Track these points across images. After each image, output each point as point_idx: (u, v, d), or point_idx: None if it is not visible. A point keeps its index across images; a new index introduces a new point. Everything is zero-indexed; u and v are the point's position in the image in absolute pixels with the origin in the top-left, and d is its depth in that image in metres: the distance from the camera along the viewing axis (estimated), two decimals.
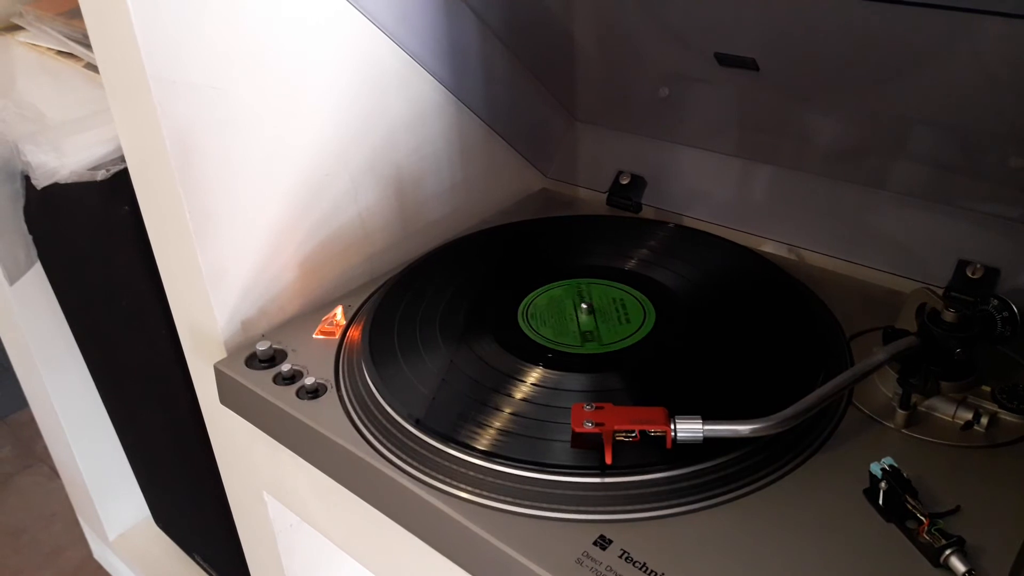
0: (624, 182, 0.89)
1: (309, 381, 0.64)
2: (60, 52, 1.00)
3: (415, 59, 0.78)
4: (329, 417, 0.61)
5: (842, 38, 0.63)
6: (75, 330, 1.19)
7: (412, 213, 0.84)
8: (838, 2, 0.59)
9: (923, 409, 0.58)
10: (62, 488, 1.50)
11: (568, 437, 0.53)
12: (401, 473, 0.55)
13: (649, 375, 0.62)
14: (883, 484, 0.50)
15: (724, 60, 0.72)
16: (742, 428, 0.51)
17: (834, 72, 0.68)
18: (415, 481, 0.55)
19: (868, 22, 0.60)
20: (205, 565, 1.30)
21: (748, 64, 0.71)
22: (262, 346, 0.67)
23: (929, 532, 0.47)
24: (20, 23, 1.08)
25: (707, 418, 0.52)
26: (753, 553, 0.48)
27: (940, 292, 0.67)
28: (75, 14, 1.02)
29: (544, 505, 0.52)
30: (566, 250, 0.80)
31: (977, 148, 0.66)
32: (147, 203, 0.71)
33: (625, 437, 0.52)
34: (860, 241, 0.75)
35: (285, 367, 0.65)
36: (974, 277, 0.67)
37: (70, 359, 1.23)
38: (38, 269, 1.09)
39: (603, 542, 0.49)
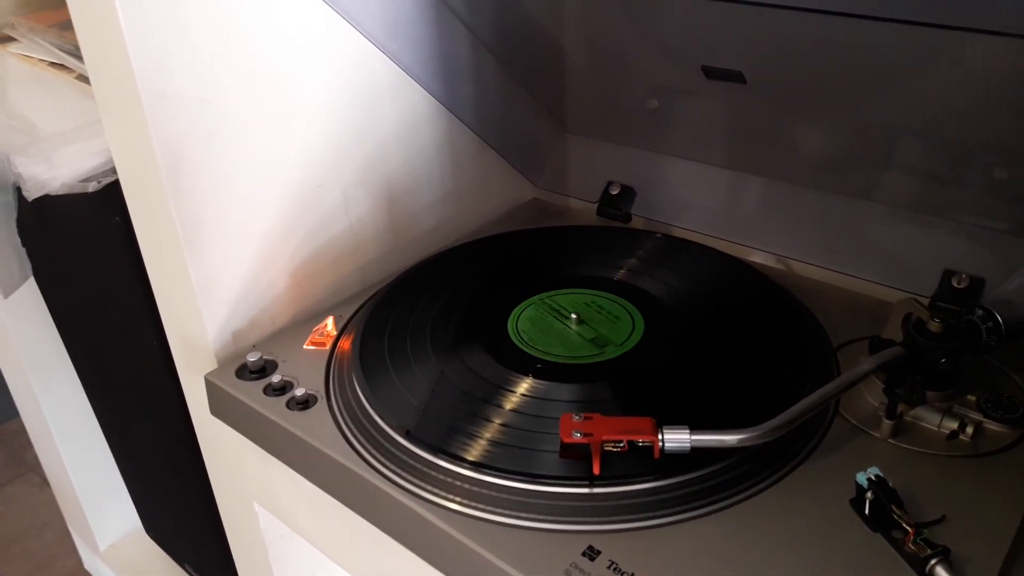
0: (614, 192, 0.90)
1: (299, 392, 0.64)
2: (52, 63, 1.00)
3: (406, 71, 0.78)
4: (319, 428, 0.61)
5: (828, 53, 0.64)
6: (66, 340, 1.19)
7: (403, 223, 0.84)
8: (823, 18, 0.59)
9: (909, 419, 0.58)
10: (53, 498, 1.49)
11: (557, 448, 0.53)
12: (391, 485, 0.56)
13: (637, 385, 0.62)
14: (869, 494, 0.50)
15: (711, 73, 0.73)
16: (729, 438, 0.52)
17: (821, 85, 0.68)
18: (405, 493, 0.55)
19: (853, 37, 0.61)
20: None
21: (735, 77, 0.71)
22: (252, 357, 0.67)
23: (915, 542, 0.47)
24: (12, 34, 1.08)
25: (695, 428, 0.52)
26: (741, 563, 0.48)
27: (926, 302, 0.67)
28: (67, 26, 1.02)
29: (533, 516, 0.52)
30: (556, 260, 0.81)
31: (963, 160, 0.67)
32: (138, 214, 0.71)
33: (613, 447, 0.52)
34: (847, 251, 0.76)
35: (275, 378, 0.66)
36: (960, 287, 0.68)
37: (61, 369, 1.23)
38: (30, 279, 1.09)
39: (592, 553, 0.49)
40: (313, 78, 0.71)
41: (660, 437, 0.52)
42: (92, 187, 0.81)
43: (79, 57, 0.96)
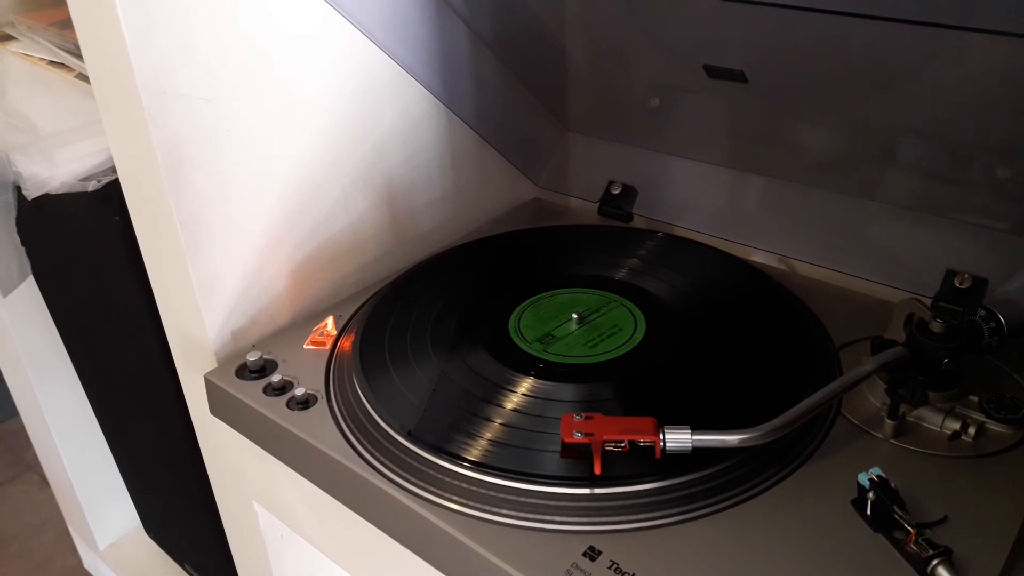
0: (615, 192, 0.89)
1: (299, 392, 0.64)
2: (52, 62, 1.00)
3: (407, 70, 0.78)
4: (319, 428, 0.61)
5: (830, 52, 0.64)
6: (66, 339, 1.19)
7: (403, 222, 0.84)
8: (825, 17, 0.59)
9: (911, 419, 0.58)
10: (52, 497, 1.49)
11: (558, 447, 0.53)
12: (391, 485, 0.55)
13: (639, 385, 0.62)
14: (871, 494, 0.50)
15: (713, 72, 0.73)
16: (731, 438, 0.52)
17: (822, 84, 0.68)
18: (405, 493, 0.55)
19: (855, 36, 0.61)
20: (196, 575, 1.29)
21: (737, 76, 0.71)
22: (252, 356, 0.67)
23: (916, 542, 0.47)
24: (12, 33, 1.08)
25: (696, 428, 0.52)
26: (742, 563, 0.48)
27: (928, 302, 0.67)
28: (67, 24, 1.02)
29: (534, 516, 0.52)
30: (557, 260, 0.80)
31: (965, 159, 0.67)
32: (138, 213, 0.71)
33: (614, 447, 0.52)
34: (850, 251, 0.76)
35: (275, 378, 0.65)
36: (962, 287, 0.67)
37: (61, 368, 1.23)
38: (29, 278, 1.09)
39: (593, 553, 0.49)
40: (313, 77, 0.71)
41: (661, 437, 0.51)
42: (92, 186, 0.81)
43: (79, 56, 0.96)
